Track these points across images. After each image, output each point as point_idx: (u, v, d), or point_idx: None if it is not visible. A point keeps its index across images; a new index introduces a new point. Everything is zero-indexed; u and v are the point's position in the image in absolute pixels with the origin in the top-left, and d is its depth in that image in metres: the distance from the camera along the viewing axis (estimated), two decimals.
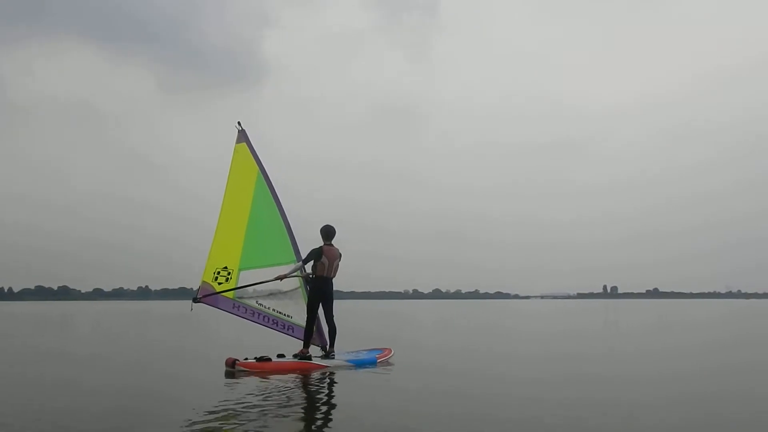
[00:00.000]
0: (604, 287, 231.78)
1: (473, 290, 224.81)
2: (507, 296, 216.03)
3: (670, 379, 8.01)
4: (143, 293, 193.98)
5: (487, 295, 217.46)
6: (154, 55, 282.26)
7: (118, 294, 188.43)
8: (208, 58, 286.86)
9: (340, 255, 9.42)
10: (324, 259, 9.20)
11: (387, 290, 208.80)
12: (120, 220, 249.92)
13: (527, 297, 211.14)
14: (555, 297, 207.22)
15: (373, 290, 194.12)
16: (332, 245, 9.40)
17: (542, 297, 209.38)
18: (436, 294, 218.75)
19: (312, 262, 9.24)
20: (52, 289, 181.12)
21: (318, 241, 9.44)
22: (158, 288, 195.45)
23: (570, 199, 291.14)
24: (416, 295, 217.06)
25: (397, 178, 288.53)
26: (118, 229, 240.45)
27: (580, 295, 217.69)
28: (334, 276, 9.39)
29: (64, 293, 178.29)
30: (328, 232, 9.42)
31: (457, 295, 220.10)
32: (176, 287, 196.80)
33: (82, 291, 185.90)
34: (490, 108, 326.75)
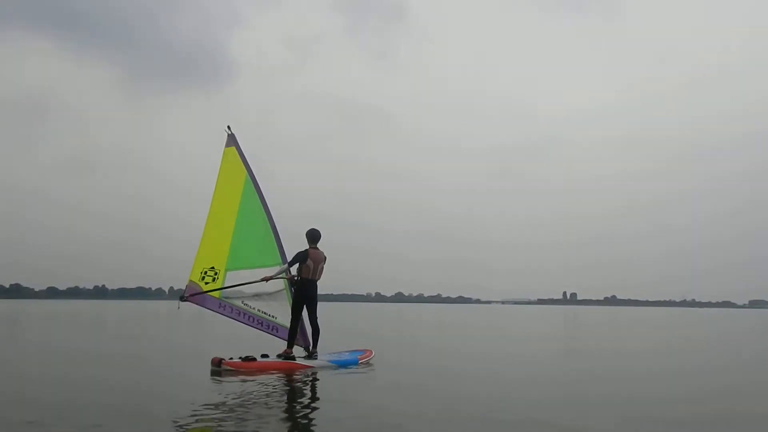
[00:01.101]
0: (564, 293, 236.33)
1: (435, 294, 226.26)
2: (469, 301, 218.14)
3: (623, 379, 8.51)
4: (100, 292, 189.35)
5: (449, 300, 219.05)
6: (116, 52, 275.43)
7: (74, 293, 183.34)
8: (171, 56, 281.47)
9: (325, 258, 9.65)
10: (309, 261, 9.42)
11: (349, 293, 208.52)
12: (75, 218, 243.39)
13: (489, 302, 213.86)
14: (516, 302, 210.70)
15: (335, 293, 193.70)
16: (317, 248, 9.63)
17: (503, 302, 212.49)
18: (399, 297, 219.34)
19: (298, 265, 9.46)
20: (4, 287, 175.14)
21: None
22: (115, 287, 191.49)
23: (532, 204, 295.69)
24: (378, 298, 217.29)
25: (357, 180, 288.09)
26: (73, 226, 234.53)
27: (541, 301, 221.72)
28: (318, 278, 9.61)
29: (16, 291, 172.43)
30: (313, 236, 9.64)
31: (420, 298, 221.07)
32: (134, 287, 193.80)
33: (36, 289, 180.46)
34: (452, 110, 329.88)
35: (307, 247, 9.56)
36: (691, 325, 30.95)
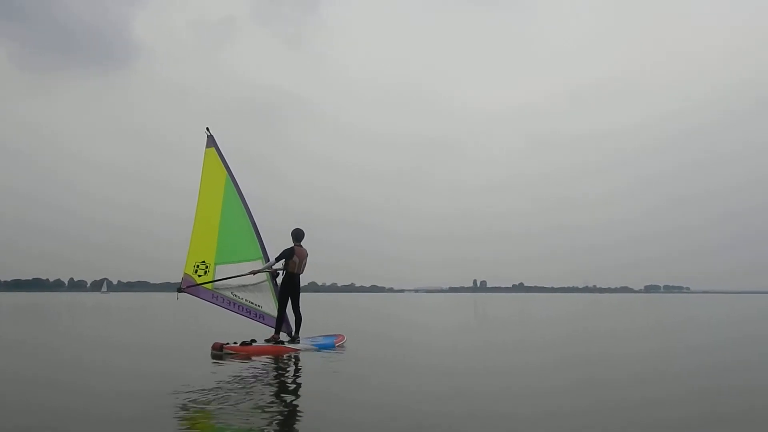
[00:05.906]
0: (474, 281, 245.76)
1: (349, 284, 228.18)
2: (382, 290, 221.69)
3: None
4: None
5: (362, 289, 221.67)
6: (9, 30, 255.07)
7: None
8: (72, 36, 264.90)
9: (308, 254, 10.79)
10: (295, 257, 10.53)
11: None
12: None
13: (402, 290, 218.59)
14: (428, 291, 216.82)
15: None
16: (302, 246, 10.73)
17: (416, 291, 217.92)
18: (312, 287, 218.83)
19: (284, 260, 10.51)
20: None
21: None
22: (8, 279, 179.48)
23: (446, 195, 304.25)
24: None
25: (264, 169, 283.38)
26: None
27: (452, 289, 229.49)
28: (302, 273, 10.74)
29: None
30: (298, 235, 10.75)
31: (333, 288, 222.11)
32: (30, 278, 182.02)
33: None
34: (370, 101, 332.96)
35: (293, 244, 10.64)
36: (617, 313, 33.38)
